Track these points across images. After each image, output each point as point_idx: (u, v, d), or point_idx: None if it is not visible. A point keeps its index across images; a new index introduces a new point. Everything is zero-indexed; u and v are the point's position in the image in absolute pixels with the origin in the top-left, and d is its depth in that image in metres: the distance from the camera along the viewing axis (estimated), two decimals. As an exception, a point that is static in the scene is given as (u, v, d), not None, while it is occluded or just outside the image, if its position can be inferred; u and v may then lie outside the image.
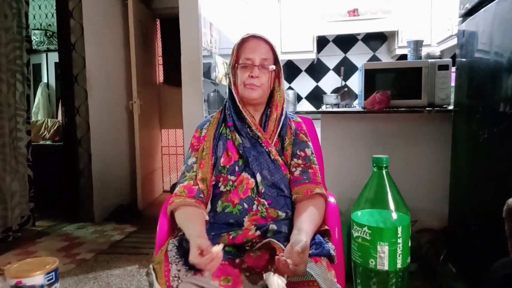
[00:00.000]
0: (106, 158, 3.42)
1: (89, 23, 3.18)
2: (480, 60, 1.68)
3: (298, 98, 4.20)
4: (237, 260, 1.04)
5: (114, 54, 3.56)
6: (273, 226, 1.08)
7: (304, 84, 4.20)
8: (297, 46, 3.81)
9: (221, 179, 1.17)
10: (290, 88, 4.19)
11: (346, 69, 4.01)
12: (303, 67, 4.17)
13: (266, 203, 1.14)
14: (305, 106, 4.20)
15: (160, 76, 4.33)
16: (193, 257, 0.90)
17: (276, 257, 0.87)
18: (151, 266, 1.01)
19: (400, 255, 0.75)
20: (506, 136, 1.41)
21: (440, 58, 2.58)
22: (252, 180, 1.16)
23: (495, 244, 1.26)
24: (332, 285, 0.97)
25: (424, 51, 2.71)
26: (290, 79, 4.20)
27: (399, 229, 0.74)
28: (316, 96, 4.17)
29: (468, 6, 1.79)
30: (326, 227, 1.19)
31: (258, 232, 1.07)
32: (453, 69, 2.05)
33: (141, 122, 3.64)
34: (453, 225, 2.02)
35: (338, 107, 3.77)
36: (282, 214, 1.14)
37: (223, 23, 3.27)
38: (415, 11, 3.52)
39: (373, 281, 0.77)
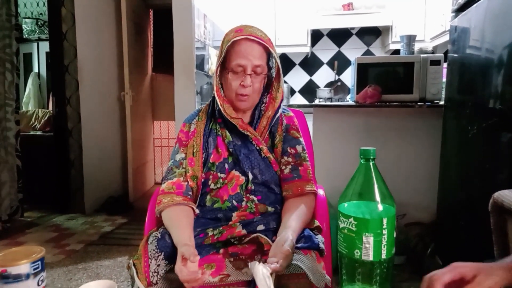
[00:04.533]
0: (97, 149, 3.40)
1: (81, 12, 3.14)
2: (471, 56, 1.69)
3: (292, 91, 4.19)
4: (222, 250, 1.05)
5: (106, 44, 3.52)
6: (261, 227, 1.08)
7: (297, 77, 4.19)
8: (291, 40, 3.79)
9: (211, 176, 1.14)
10: (284, 81, 4.18)
11: (340, 63, 4.01)
12: (297, 60, 4.17)
13: (255, 199, 1.13)
14: (299, 99, 4.20)
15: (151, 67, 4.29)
16: (177, 268, 0.89)
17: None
18: (131, 260, 1.01)
19: (385, 246, 0.75)
20: (494, 131, 1.43)
21: (432, 53, 2.60)
22: (243, 177, 1.14)
23: (481, 238, 1.28)
24: (321, 277, 0.98)
25: (417, 46, 2.72)
26: (284, 72, 4.15)
27: (385, 221, 0.74)
28: (309, 90, 4.16)
29: (461, 1, 1.79)
30: (317, 225, 1.20)
31: (244, 231, 1.07)
32: (445, 64, 2.06)
33: (133, 114, 3.62)
34: (441, 219, 2.05)
35: (331, 101, 3.77)
36: (271, 209, 1.13)
37: (217, 14, 3.25)
38: (409, 6, 3.53)
39: (358, 271, 0.78)
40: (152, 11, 4.18)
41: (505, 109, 1.35)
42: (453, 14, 1.92)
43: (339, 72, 4.03)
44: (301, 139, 1.24)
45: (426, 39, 3.47)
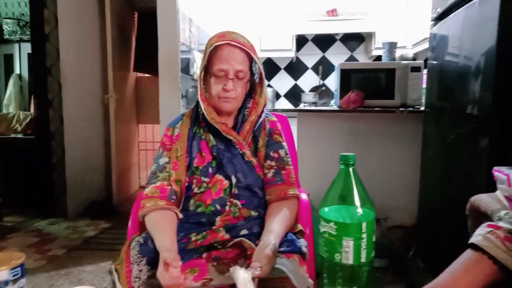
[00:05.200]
0: (80, 153, 3.35)
1: (64, 13, 3.10)
2: (449, 63, 1.74)
3: (277, 96, 4.22)
4: (205, 255, 1.05)
5: (90, 46, 3.48)
6: (244, 231, 1.09)
7: (283, 82, 4.23)
8: (276, 44, 3.83)
9: (195, 180, 1.15)
10: (269, 85, 4.21)
11: (324, 68, 4.06)
12: (282, 65, 4.20)
13: (239, 203, 1.13)
14: (284, 104, 4.23)
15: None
16: (159, 273, 0.90)
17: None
18: (112, 265, 1.01)
19: (365, 250, 0.77)
20: (472, 137, 1.47)
21: (413, 60, 2.66)
22: (226, 181, 1.14)
23: (461, 241, 1.31)
24: (303, 280, 0.99)
25: (398, 53, 2.78)
26: (269, 77, 4.22)
27: (364, 225, 0.76)
28: (294, 94, 4.20)
29: (440, 10, 1.84)
30: (300, 229, 1.21)
31: (228, 236, 1.07)
32: (425, 71, 2.11)
33: (117, 116, 3.58)
34: (422, 222, 2.09)
35: (316, 106, 3.81)
36: (254, 214, 1.14)
37: (202, 18, 3.25)
38: (392, 13, 3.60)
39: (339, 274, 0.79)
40: (137, 14, 4.15)
41: (482, 115, 1.40)
42: (433, 22, 1.97)
43: (323, 77, 4.08)
44: (284, 144, 1.25)
45: (408, 45, 3.55)
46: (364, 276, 0.80)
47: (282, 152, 1.22)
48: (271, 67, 4.19)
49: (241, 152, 1.17)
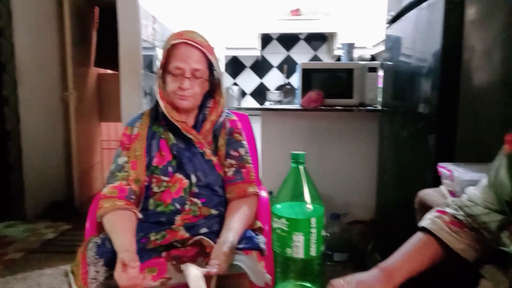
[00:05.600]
0: (39, 152, 3.23)
1: (19, 8, 2.96)
2: (402, 64, 1.83)
3: (243, 94, 4.25)
4: (164, 254, 1.06)
5: (47, 42, 3.35)
6: (204, 230, 1.11)
7: (248, 80, 4.25)
8: (242, 43, 3.84)
9: (154, 180, 1.15)
10: (235, 84, 4.23)
11: (289, 67, 4.12)
12: (247, 63, 4.22)
13: (199, 202, 1.14)
14: (250, 102, 4.26)
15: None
16: (116, 274, 0.89)
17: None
18: (68, 267, 1.00)
19: (315, 244, 0.81)
20: (421, 135, 1.56)
21: (371, 60, 2.76)
22: (186, 180, 1.15)
23: (413, 234, 1.39)
24: (261, 275, 1.02)
25: (359, 53, 2.87)
26: (234, 75, 4.24)
27: (313, 220, 0.80)
28: (260, 93, 4.24)
29: (393, 13, 1.93)
30: (259, 226, 1.24)
31: (188, 234, 1.09)
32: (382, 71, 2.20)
33: (78, 114, 3.48)
34: (379, 217, 2.19)
35: (281, 104, 3.87)
36: (214, 212, 1.16)
37: (166, 16, 3.22)
38: (353, 14, 3.71)
39: (291, 268, 0.83)
40: (98, 9, 4.03)
41: (429, 114, 1.49)
42: (388, 24, 2.06)
43: (288, 76, 4.15)
44: (244, 142, 1.28)
45: (368, 46, 3.67)
46: (315, 269, 0.84)
47: (242, 151, 1.24)
48: (236, 66, 4.21)
49: (201, 151, 1.18)
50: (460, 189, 1.20)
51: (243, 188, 1.18)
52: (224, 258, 0.92)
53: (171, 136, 1.18)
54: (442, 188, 1.31)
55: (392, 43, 1.96)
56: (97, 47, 3.89)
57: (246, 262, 1.01)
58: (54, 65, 3.44)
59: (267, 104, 3.91)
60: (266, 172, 2.30)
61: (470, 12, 1.36)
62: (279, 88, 4.09)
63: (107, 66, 3.97)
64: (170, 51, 1.14)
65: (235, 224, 1.08)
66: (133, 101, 2.65)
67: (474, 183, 1.17)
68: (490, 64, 1.37)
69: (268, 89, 4.20)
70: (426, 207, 1.32)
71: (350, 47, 2.54)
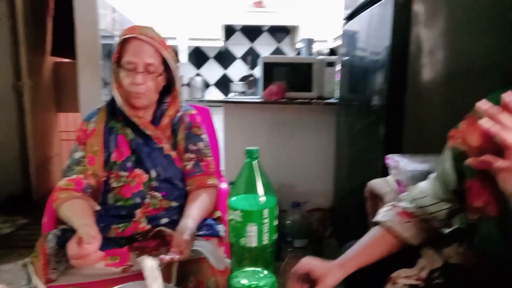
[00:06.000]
0: (-9, 145, 3.09)
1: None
2: (356, 59, 1.92)
3: (206, 85, 4.24)
4: (126, 246, 1.08)
5: (-2, 28, 3.18)
6: (164, 220, 1.13)
7: (212, 71, 4.24)
8: (205, 34, 3.82)
9: (113, 175, 1.15)
10: (198, 75, 4.21)
11: (253, 58, 4.14)
12: (211, 54, 4.21)
13: (159, 195, 1.16)
14: (214, 93, 4.26)
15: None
16: (70, 248, 0.87)
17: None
18: (27, 259, 1.00)
19: (267, 233, 0.86)
20: (372, 127, 1.66)
21: (329, 55, 2.85)
22: (145, 175, 1.16)
23: (365, 221, 1.49)
24: (221, 259, 1.07)
25: (319, 46, 2.95)
26: (198, 65, 4.21)
27: (266, 211, 0.85)
28: (224, 83, 4.25)
29: (349, 11, 2.02)
30: (219, 215, 1.29)
31: (149, 226, 1.11)
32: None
33: (33, 105, 3.34)
34: (337, 204, 2.31)
35: (245, 95, 3.90)
36: (175, 204, 1.19)
37: (126, 5, 3.14)
38: (314, 8, 3.78)
39: (246, 256, 0.88)
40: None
41: (379, 108, 1.58)
42: (345, 21, 2.14)
43: (252, 67, 4.18)
44: (203, 136, 1.30)
45: (329, 39, 3.76)
46: (267, 255, 0.90)
47: (201, 145, 1.27)
48: (200, 56, 4.19)
49: (159, 146, 1.20)
50: (405, 178, 1.30)
51: (202, 180, 1.21)
52: (185, 245, 0.95)
53: (129, 131, 1.19)
54: (389, 178, 1.42)
55: (348, 39, 2.04)
56: (53, 34, 3.73)
57: (206, 247, 1.05)
58: (5, 53, 3.28)
59: (231, 95, 3.94)
60: (229, 163, 2.34)
61: (417, 12, 1.45)
62: (243, 79, 4.11)
63: (64, 55, 3.82)
64: (122, 45, 1.13)
65: (194, 211, 1.11)
66: (92, 92, 2.59)
67: (417, 173, 1.28)
68: (435, 60, 1.48)
69: (232, 80, 4.22)
70: (375, 196, 1.43)
71: (309, 42, 2.61)
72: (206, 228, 1.15)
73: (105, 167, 1.16)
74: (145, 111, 1.22)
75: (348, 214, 2.01)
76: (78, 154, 1.17)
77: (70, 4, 2.56)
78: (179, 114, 1.26)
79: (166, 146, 1.21)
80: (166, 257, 0.90)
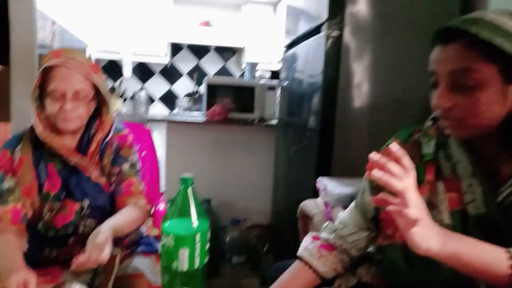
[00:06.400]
0: None
1: None
2: (294, 85, 2.05)
3: (151, 99, 4.20)
4: (57, 266, 1.07)
5: None
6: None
7: (158, 86, 4.22)
8: (150, 50, 3.81)
9: (46, 205, 1.12)
10: (141, 89, 4.16)
11: (199, 75, 4.19)
12: (156, 69, 4.19)
13: (93, 222, 1.14)
14: (158, 108, 4.23)
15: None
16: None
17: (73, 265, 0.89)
18: None
19: (199, 257, 0.91)
20: (305, 150, 1.78)
21: (272, 75, 2.99)
22: (77, 205, 1.14)
23: (298, 240, 1.58)
24: (158, 275, 1.09)
25: (264, 67, 3.06)
26: (143, 80, 4.17)
27: (198, 236, 0.90)
28: (170, 99, 4.24)
29: (289, 40, 2.16)
30: (156, 233, 1.31)
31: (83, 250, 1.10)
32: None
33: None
34: (274, 222, 2.40)
35: (191, 111, 3.92)
36: None
37: (70, 20, 3.06)
38: (260, 31, 3.93)
39: (177, 279, 0.92)
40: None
41: (312, 133, 1.71)
42: (285, 48, 2.28)
43: (198, 83, 4.22)
44: (132, 157, 1.25)
45: (273, 61, 3.92)
46: (199, 278, 0.94)
47: (125, 166, 1.22)
48: (144, 71, 4.15)
49: (86, 176, 1.15)
50: (332, 200, 1.42)
51: (123, 201, 1.18)
52: (97, 250, 0.90)
53: (57, 160, 1.14)
54: (319, 199, 1.53)
55: (288, 65, 2.18)
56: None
57: (144, 263, 1.08)
58: None
59: (177, 111, 3.94)
60: (170, 182, 2.35)
61: (347, 47, 1.60)
62: (189, 95, 4.14)
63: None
64: (47, 71, 1.05)
65: (111, 220, 1.07)
66: (26, 102, 2.47)
67: (343, 195, 1.40)
68: (361, 91, 1.64)
69: (177, 96, 4.22)
70: (306, 216, 1.53)
71: (253, 65, 2.73)
72: (145, 245, 1.18)
73: (38, 197, 1.11)
74: (72, 137, 1.17)
75: (284, 232, 2.11)
76: (7, 183, 1.10)
77: (5, 7, 2.45)
78: (108, 137, 1.20)
79: (94, 175, 1.16)
80: (79, 260, 0.87)
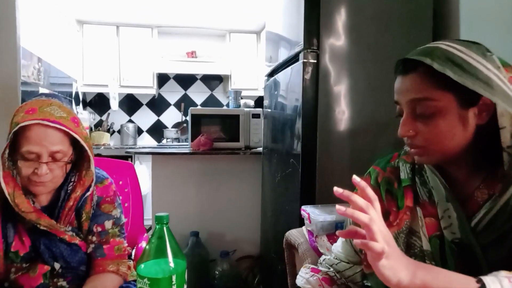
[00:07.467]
0: None
1: None
2: (276, 113, 2.06)
3: (139, 131, 4.20)
4: None
5: None
6: None
7: (145, 117, 4.24)
8: (137, 81, 3.85)
9: (13, 267, 1.02)
10: (130, 121, 4.17)
11: (186, 105, 4.23)
12: (144, 100, 4.22)
13: (65, 283, 1.08)
14: (146, 139, 4.23)
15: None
16: None
17: None
18: None
19: (175, 299, 0.88)
20: (290, 178, 1.77)
21: (254, 107, 3.01)
22: (47, 266, 1.04)
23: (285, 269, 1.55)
24: None
25: (249, 93, 3.09)
26: (131, 112, 4.19)
27: (174, 277, 0.88)
28: (157, 130, 4.25)
29: (270, 68, 2.19)
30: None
31: None
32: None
33: None
34: (264, 252, 2.36)
35: (179, 141, 3.93)
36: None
37: (56, 55, 3.09)
38: (245, 59, 4.01)
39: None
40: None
41: (295, 160, 1.70)
42: (266, 77, 2.31)
43: (185, 113, 4.24)
44: (115, 211, 1.17)
45: (259, 88, 3.98)
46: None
47: (108, 224, 1.14)
48: (133, 103, 4.18)
49: (59, 237, 1.06)
50: (315, 228, 1.40)
51: (102, 266, 1.11)
52: None
53: (26, 220, 1.02)
54: (303, 228, 1.51)
55: (270, 93, 2.20)
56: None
57: None
58: None
59: (164, 142, 3.94)
60: (157, 212, 2.31)
61: (324, 73, 1.62)
62: (176, 125, 4.15)
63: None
64: (19, 131, 0.94)
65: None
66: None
67: (326, 223, 1.38)
68: (340, 114, 1.64)
69: (165, 126, 4.23)
70: (291, 246, 1.51)
71: (237, 94, 2.75)
72: None
73: (5, 258, 1.02)
74: (46, 194, 1.07)
75: (273, 262, 2.06)
76: None
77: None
78: (87, 193, 1.09)
79: (69, 235, 1.06)
80: None
